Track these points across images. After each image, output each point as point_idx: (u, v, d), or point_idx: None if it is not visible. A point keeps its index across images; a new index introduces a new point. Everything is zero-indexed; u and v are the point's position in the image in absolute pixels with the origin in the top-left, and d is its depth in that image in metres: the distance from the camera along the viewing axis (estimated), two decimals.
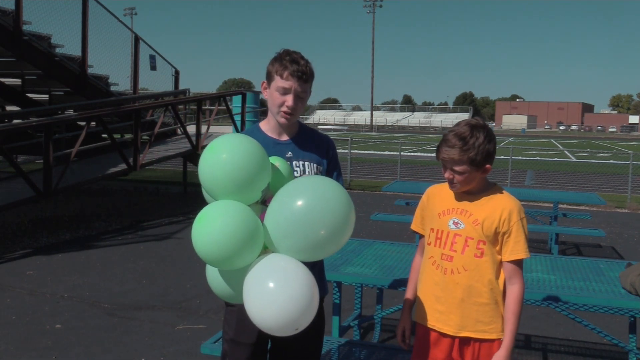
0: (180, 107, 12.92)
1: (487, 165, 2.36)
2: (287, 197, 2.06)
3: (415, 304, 2.57)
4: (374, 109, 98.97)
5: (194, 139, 11.73)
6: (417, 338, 2.54)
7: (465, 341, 2.42)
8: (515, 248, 2.36)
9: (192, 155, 12.02)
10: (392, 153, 26.71)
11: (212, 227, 2.01)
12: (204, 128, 12.11)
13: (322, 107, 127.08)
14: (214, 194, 2.13)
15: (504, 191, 2.45)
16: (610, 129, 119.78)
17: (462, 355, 2.43)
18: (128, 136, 12.04)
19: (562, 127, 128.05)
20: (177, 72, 14.41)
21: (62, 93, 12.30)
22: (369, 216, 8.83)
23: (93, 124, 10.20)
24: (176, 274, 6.69)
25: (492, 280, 2.38)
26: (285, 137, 2.53)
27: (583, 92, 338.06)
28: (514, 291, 2.37)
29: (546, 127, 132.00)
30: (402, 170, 16.69)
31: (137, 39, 12.52)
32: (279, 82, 2.40)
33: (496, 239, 2.37)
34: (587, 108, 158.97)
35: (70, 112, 11.23)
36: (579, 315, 3.60)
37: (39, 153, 9.33)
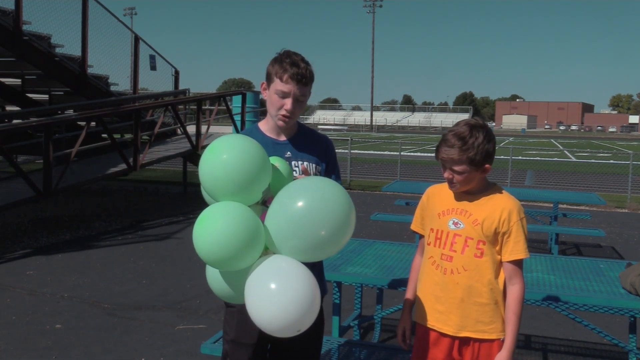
0: (180, 107, 12.92)
1: (487, 165, 2.36)
2: (287, 198, 2.06)
3: (415, 304, 2.57)
4: (374, 109, 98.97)
5: (194, 139, 11.73)
6: (417, 338, 2.54)
7: (465, 341, 2.42)
8: (515, 248, 2.36)
9: (192, 155, 12.02)
10: (392, 153, 26.71)
11: (213, 229, 2.01)
12: (204, 128, 12.11)
13: (322, 107, 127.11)
14: (215, 195, 2.12)
15: (503, 191, 2.45)
16: (610, 129, 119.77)
17: (462, 355, 2.43)
18: (128, 136, 12.04)
19: (562, 127, 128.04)
20: (177, 72, 14.41)
21: (62, 93, 12.30)
22: (369, 216, 8.83)
23: (93, 124, 10.20)
24: (176, 274, 6.69)
25: (492, 281, 2.38)
26: (284, 137, 2.53)
27: (583, 92, 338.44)
28: (514, 291, 2.37)
29: (546, 127, 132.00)
30: (402, 170, 16.69)
31: (137, 39, 12.52)
32: (278, 85, 2.39)
33: (496, 239, 2.37)
34: (587, 108, 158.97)
35: (70, 112, 11.23)
36: (579, 315, 3.60)
37: (39, 153, 9.34)
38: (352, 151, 17.95)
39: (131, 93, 12.86)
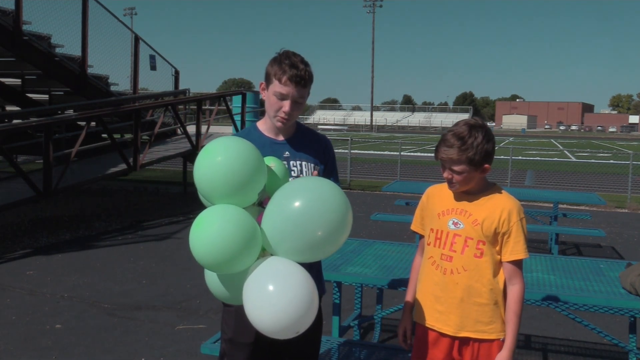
0: (180, 107, 12.92)
1: (486, 165, 2.36)
2: (283, 199, 2.06)
3: (415, 304, 2.57)
4: (374, 109, 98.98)
5: (194, 139, 11.73)
6: (417, 338, 2.54)
7: (464, 341, 2.42)
8: (515, 248, 2.36)
9: (192, 155, 12.01)
10: (392, 153, 26.71)
11: (209, 233, 2.00)
12: (204, 128, 12.11)
13: (322, 107, 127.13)
14: (210, 198, 2.12)
15: (503, 191, 2.45)
16: (610, 129, 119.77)
17: (461, 355, 2.43)
18: (128, 136, 12.04)
19: (562, 127, 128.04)
20: (177, 72, 14.41)
21: (62, 93, 12.30)
22: (369, 216, 8.83)
23: (93, 124, 10.20)
24: (176, 274, 6.69)
25: (491, 281, 2.38)
26: (282, 137, 2.52)
27: (583, 92, 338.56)
28: (514, 291, 2.38)
29: (546, 127, 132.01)
30: (402, 170, 16.69)
31: (137, 39, 12.52)
32: (276, 86, 2.39)
33: (496, 239, 2.37)
34: (587, 108, 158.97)
35: (70, 112, 11.23)
36: (579, 315, 3.60)
37: (39, 153, 9.34)
38: (352, 151, 17.95)
39: (131, 93, 12.86)
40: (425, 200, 2.58)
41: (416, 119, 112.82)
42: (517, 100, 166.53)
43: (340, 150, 20.95)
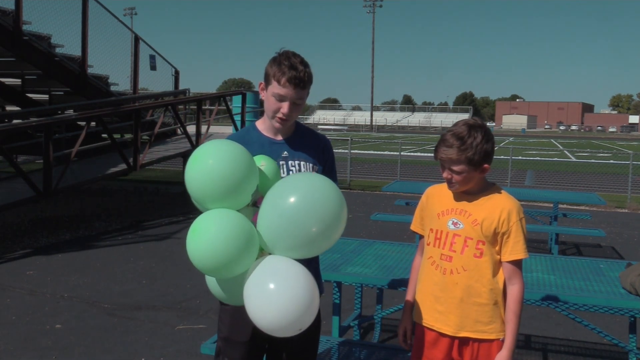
0: (180, 107, 12.92)
1: (485, 165, 2.36)
2: (277, 197, 2.06)
3: (415, 304, 2.57)
4: (374, 109, 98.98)
5: (194, 139, 11.73)
6: (416, 338, 2.54)
7: (464, 341, 2.42)
8: (515, 248, 2.36)
9: None
10: (392, 153, 26.71)
11: (206, 239, 2.01)
12: (204, 128, 12.11)
13: (322, 107, 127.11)
14: (203, 203, 2.12)
15: (502, 191, 2.45)
16: (610, 129, 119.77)
17: (461, 355, 2.43)
18: (128, 136, 12.04)
19: (562, 127, 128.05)
20: (177, 72, 14.41)
21: (62, 93, 12.30)
22: (369, 216, 8.83)
23: (93, 124, 10.20)
24: (176, 274, 6.69)
25: (491, 281, 2.38)
26: (281, 137, 2.52)
27: (583, 92, 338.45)
28: (514, 291, 2.38)
29: (546, 127, 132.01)
30: (402, 170, 16.69)
31: (137, 39, 12.52)
32: (275, 87, 2.38)
33: (495, 239, 2.37)
34: (587, 108, 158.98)
35: (70, 112, 11.23)
36: (579, 315, 3.60)
37: (39, 153, 9.34)
38: (352, 151, 17.94)
39: (131, 93, 12.86)
40: (425, 201, 2.58)
41: (416, 119, 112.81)
42: (517, 100, 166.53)
43: (340, 150, 20.96)
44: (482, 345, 2.40)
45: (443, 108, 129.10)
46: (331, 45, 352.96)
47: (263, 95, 2.48)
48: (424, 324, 2.49)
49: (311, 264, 2.40)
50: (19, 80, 11.71)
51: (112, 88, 12.21)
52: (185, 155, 12.02)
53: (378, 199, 12.97)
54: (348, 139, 18.92)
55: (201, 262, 2.02)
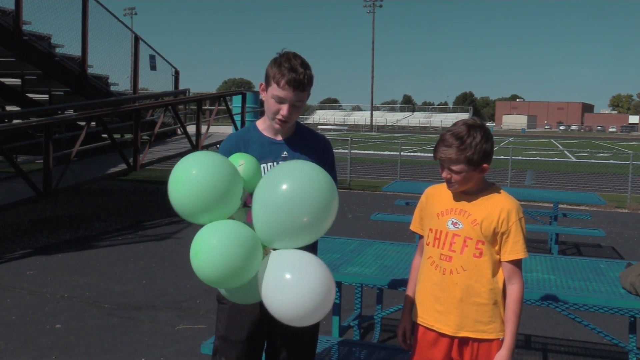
0: (180, 107, 12.92)
1: (485, 165, 2.36)
2: (268, 191, 2.08)
3: (414, 304, 2.57)
4: (374, 109, 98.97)
5: (194, 139, 11.73)
6: (416, 338, 2.54)
7: (464, 341, 2.42)
8: (514, 248, 2.36)
9: None
10: (392, 153, 26.71)
11: (213, 259, 2.02)
12: (204, 128, 12.11)
13: (322, 107, 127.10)
14: (195, 219, 2.14)
15: (502, 191, 2.45)
16: (610, 129, 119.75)
17: (461, 355, 2.43)
18: (128, 136, 12.03)
19: (562, 127, 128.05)
20: (177, 72, 14.41)
21: (62, 93, 12.29)
22: (369, 216, 8.82)
23: (93, 124, 10.20)
24: (176, 274, 6.69)
25: (491, 280, 2.38)
26: (280, 137, 2.52)
27: (583, 92, 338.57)
28: (513, 291, 2.38)
29: (546, 127, 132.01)
30: (402, 170, 16.70)
31: (137, 39, 12.52)
32: (275, 89, 2.37)
33: (495, 239, 2.37)
34: (587, 108, 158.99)
35: (70, 112, 11.23)
36: (579, 315, 3.60)
37: (39, 153, 9.33)
38: (352, 151, 17.94)
39: (131, 93, 12.86)
40: (425, 201, 2.58)
41: (416, 119, 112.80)
42: (517, 100, 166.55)
43: (340, 150, 20.96)
44: (482, 345, 2.40)
45: (443, 108, 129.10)
46: (331, 45, 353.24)
47: (264, 96, 2.47)
48: (423, 324, 2.49)
49: None
50: (19, 80, 11.71)
51: (112, 88, 12.20)
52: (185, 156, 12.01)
53: (378, 199, 12.97)
54: (348, 139, 18.91)
55: (212, 280, 2.05)
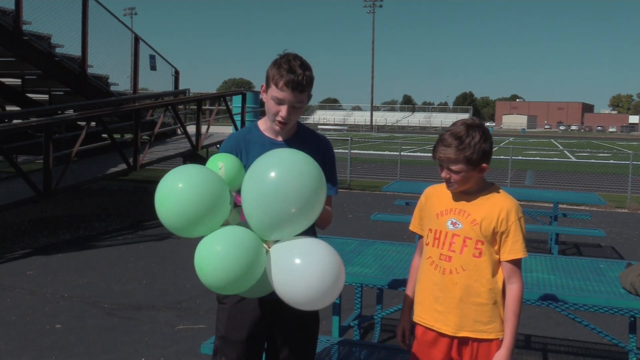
0: (180, 107, 12.92)
1: (484, 165, 2.36)
2: (253, 184, 2.10)
3: (414, 304, 2.57)
4: (374, 109, 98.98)
5: (194, 139, 11.73)
6: (416, 338, 2.54)
7: (463, 341, 2.42)
8: (514, 248, 2.36)
9: (192, 155, 12.03)
10: (392, 153, 26.71)
11: (221, 272, 2.03)
12: (204, 128, 12.11)
13: (322, 107, 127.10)
14: (187, 234, 2.14)
15: (501, 191, 2.45)
16: (610, 129, 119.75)
17: (460, 355, 2.43)
18: (128, 136, 12.04)
19: (562, 127, 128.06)
20: (177, 72, 14.41)
21: (62, 93, 12.30)
22: (369, 216, 8.82)
23: (93, 124, 10.20)
24: (176, 274, 6.69)
25: (490, 280, 2.38)
26: (281, 138, 2.52)
27: (583, 92, 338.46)
28: (513, 290, 2.38)
29: (546, 127, 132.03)
30: (402, 170, 16.70)
31: (137, 39, 12.52)
32: (274, 91, 2.37)
33: (494, 238, 2.37)
34: (587, 108, 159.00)
35: (70, 112, 11.23)
36: (579, 315, 3.60)
37: (39, 153, 9.33)
38: (352, 151, 17.94)
39: (131, 93, 12.86)
40: (424, 201, 2.58)
41: (416, 119, 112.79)
42: (517, 100, 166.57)
43: (340, 150, 20.95)
44: (482, 345, 2.40)
45: (443, 108, 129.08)
46: (331, 45, 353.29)
47: (264, 98, 2.48)
48: (423, 324, 2.49)
49: None
50: (19, 80, 11.71)
51: (112, 88, 12.21)
52: (185, 155, 12.05)
53: (378, 199, 12.97)
54: (348, 139, 18.92)
55: (221, 287, 2.06)
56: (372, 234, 9.10)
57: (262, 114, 2.59)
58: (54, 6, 10.38)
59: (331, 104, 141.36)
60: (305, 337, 2.57)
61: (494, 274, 2.39)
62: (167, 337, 4.86)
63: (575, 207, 11.95)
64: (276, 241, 2.14)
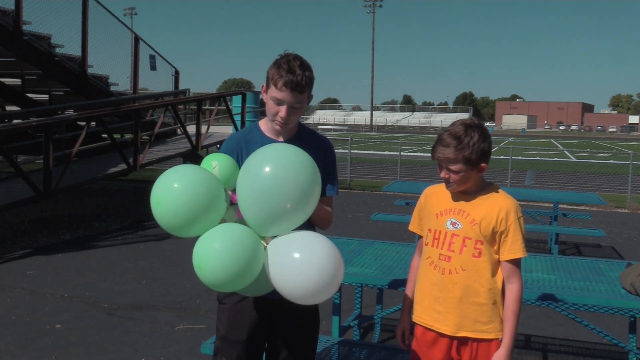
0: (180, 107, 12.92)
1: (483, 164, 2.36)
2: (248, 180, 2.10)
3: (413, 304, 2.58)
4: (374, 109, 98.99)
5: (194, 139, 11.73)
6: (416, 338, 2.55)
7: (463, 341, 2.42)
8: (513, 247, 2.36)
9: (192, 155, 12.03)
10: (392, 153, 26.72)
11: (219, 263, 2.03)
12: (204, 128, 12.11)
13: (322, 107, 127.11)
14: (185, 234, 2.15)
15: (500, 190, 2.45)
16: (610, 129, 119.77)
17: (460, 355, 2.43)
18: (128, 136, 12.04)
19: (562, 127, 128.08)
20: (177, 72, 14.42)
21: (62, 93, 12.30)
22: (369, 216, 8.82)
23: (93, 124, 10.20)
24: (176, 274, 6.69)
25: (490, 280, 2.38)
26: (282, 138, 2.52)
27: (583, 92, 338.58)
28: (512, 290, 2.38)
29: (546, 127, 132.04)
30: (402, 170, 16.70)
31: (137, 39, 12.52)
32: (273, 91, 2.38)
33: (494, 238, 2.37)
34: (587, 108, 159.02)
35: (70, 112, 11.24)
36: (579, 315, 3.60)
37: (39, 153, 9.33)
38: (352, 151, 17.95)
39: (131, 93, 12.86)
40: (423, 201, 2.58)
41: (416, 119, 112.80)
42: (517, 100, 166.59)
43: (340, 150, 20.94)
44: (481, 345, 2.40)
45: (443, 108, 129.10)
46: (331, 45, 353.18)
47: (265, 98, 2.48)
48: (423, 324, 2.49)
49: None
50: (19, 80, 11.71)
51: (112, 88, 12.21)
52: (185, 155, 12.05)
53: (378, 199, 12.98)
54: (348, 139, 18.92)
55: (220, 285, 2.07)
56: (372, 234, 9.10)
57: (262, 114, 2.59)
58: (54, 6, 10.39)
59: (331, 104, 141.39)
60: (305, 337, 2.57)
61: (494, 273, 2.39)
62: (167, 337, 4.86)
63: (575, 207, 11.95)
64: (274, 237, 2.15)
